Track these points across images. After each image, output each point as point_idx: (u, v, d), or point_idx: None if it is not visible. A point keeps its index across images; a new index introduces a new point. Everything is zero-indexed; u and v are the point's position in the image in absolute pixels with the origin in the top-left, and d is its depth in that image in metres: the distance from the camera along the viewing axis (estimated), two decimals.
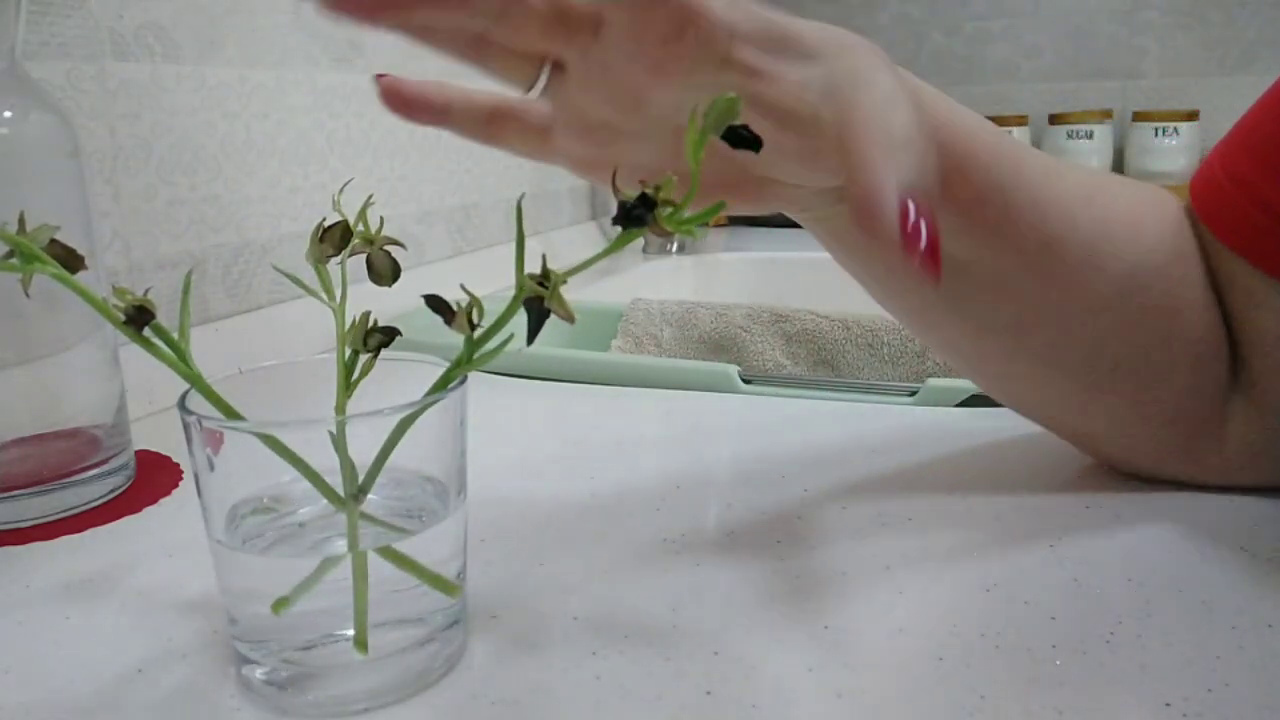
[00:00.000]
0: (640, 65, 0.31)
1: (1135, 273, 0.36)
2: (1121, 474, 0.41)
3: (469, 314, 0.27)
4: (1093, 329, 0.37)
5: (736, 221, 1.43)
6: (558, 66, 0.33)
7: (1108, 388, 0.38)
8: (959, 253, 0.35)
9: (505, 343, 0.26)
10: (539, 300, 0.25)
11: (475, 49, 0.33)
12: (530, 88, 0.33)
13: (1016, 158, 0.35)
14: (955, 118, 0.34)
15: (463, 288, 0.27)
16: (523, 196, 0.27)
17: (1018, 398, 0.40)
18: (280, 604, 0.26)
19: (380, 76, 0.32)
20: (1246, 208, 0.37)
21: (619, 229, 0.25)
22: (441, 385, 0.27)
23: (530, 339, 0.25)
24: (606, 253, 0.25)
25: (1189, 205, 0.41)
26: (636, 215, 0.24)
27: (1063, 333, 0.37)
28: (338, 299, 0.30)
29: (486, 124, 0.34)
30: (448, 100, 0.33)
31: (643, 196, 0.24)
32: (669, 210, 0.24)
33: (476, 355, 0.27)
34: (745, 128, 0.25)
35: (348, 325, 0.29)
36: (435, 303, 0.27)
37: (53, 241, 0.26)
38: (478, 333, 0.27)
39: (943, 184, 0.32)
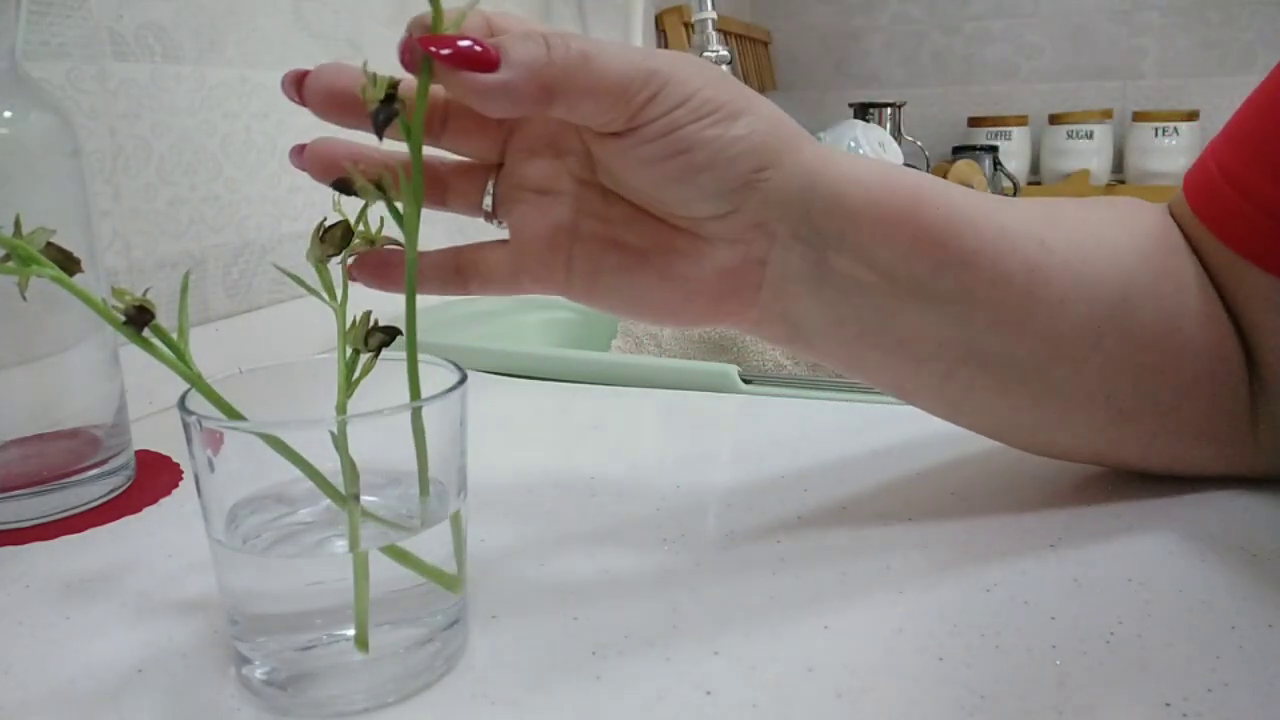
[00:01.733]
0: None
1: (1126, 294, 0.36)
2: (1122, 473, 0.41)
3: (380, 183, 0.28)
4: (1103, 356, 0.36)
5: None
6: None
7: (1132, 415, 0.37)
8: (954, 293, 0.34)
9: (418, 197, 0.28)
10: (382, 101, 0.27)
11: (438, 193, 0.36)
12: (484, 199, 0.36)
13: (965, 197, 0.35)
14: (896, 181, 0.34)
15: (355, 169, 0.29)
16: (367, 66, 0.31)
17: (1054, 445, 0.39)
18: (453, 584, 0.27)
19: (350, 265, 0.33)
20: (1247, 210, 0.36)
21: None
22: (411, 284, 0.29)
23: (378, 134, 0.28)
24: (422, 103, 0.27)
25: (1178, 206, 0.40)
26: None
27: (1076, 366, 0.36)
28: (339, 299, 0.30)
29: (456, 273, 0.36)
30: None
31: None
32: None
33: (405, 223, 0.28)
34: None
35: (348, 325, 0.29)
36: (341, 185, 0.29)
37: (49, 245, 0.26)
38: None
39: (929, 244, 0.33)
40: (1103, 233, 0.37)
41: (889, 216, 0.33)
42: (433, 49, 0.28)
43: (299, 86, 0.32)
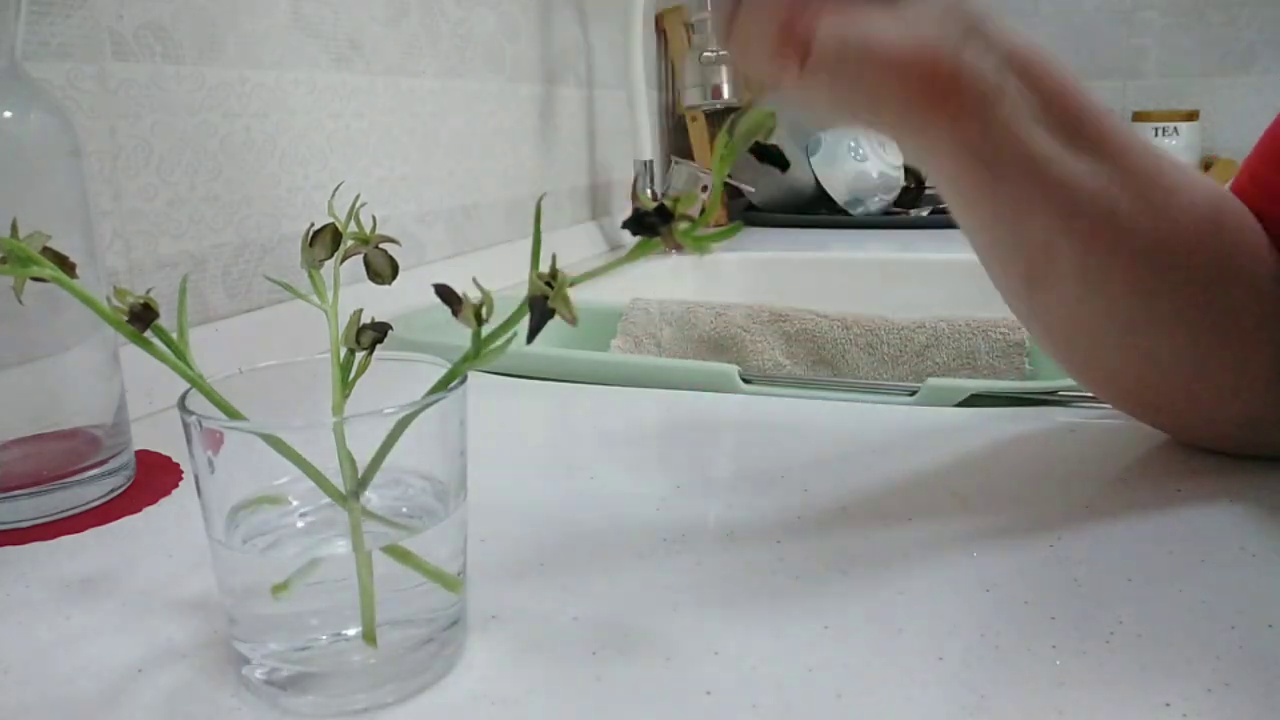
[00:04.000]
0: None
1: (1216, 214, 0.39)
2: (1122, 474, 0.41)
3: (478, 310, 0.26)
4: (1202, 262, 0.39)
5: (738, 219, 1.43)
6: None
7: (1220, 334, 0.39)
8: (1093, 161, 0.37)
9: (509, 339, 0.26)
10: (543, 299, 0.25)
11: None
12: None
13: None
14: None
15: (475, 282, 0.27)
16: (543, 196, 0.28)
17: (1130, 367, 0.41)
18: (279, 588, 0.26)
19: None
20: (1269, 208, 0.38)
21: (625, 232, 0.25)
22: (447, 381, 0.27)
23: (530, 337, 0.26)
24: (620, 262, 0.25)
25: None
26: (649, 224, 0.24)
27: (1186, 259, 0.38)
28: (331, 301, 0.30)
29: None
30: None
31: (660, 207, 0.24)
32: (684, 225, 0.24)
33: (483, 352, 0.27)
34: (774, 146, 0.25)
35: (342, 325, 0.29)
36: (445, 293, 0.27)
37: (44, 250, 0.26)
38: (484, 330, 0.27)
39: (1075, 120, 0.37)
40: (1187, 170, 0.40)
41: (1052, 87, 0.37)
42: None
43: None
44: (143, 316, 0.26)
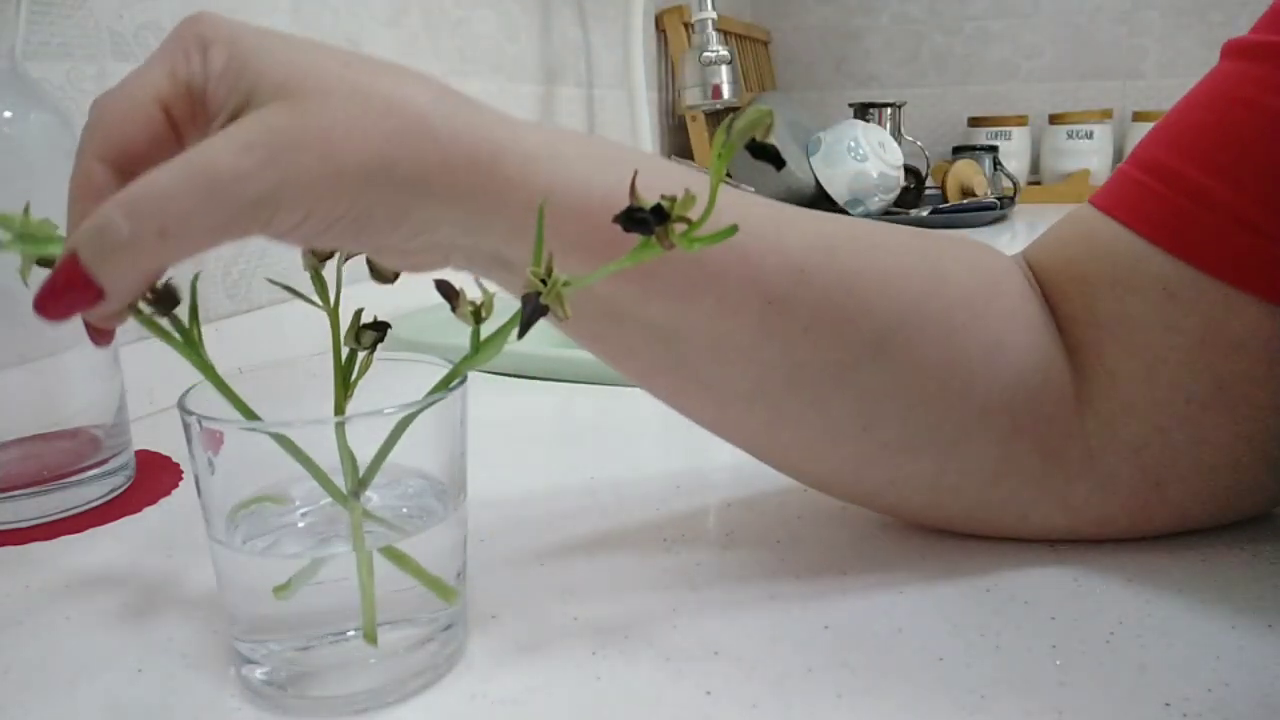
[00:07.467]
0: None
1: (900, 326, 0.32)
2: None
3: (477, 309, 0.27)
4: (856, 390, 0.32)
5: None
6: None
7: (904, 450, 0.33)
8: (661, 318, 0.31)
9: (505, 334, 0.26)
10: (537, 295, 0.25)
11: None
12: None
13: (742, 211, 0.30)
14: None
15: (477, 282, 0.27)
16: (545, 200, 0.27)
17: (810, 474, 0.36)
18: (281, 589, 0.26)
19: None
20: (1167, 194, 0.34)
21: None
22: (447, 381, 0.27)
23: (521, 332, 0.26)
24: (620, 265, 0.25)
25: (1039, 249, 0.37)
26: (642, 221, 0.24)
27: (817, 395, 0.32)
28: (332, 301, 0.30)
29: None
30: None
31: (656, 207, 0.24)
32: (683, 227, 0.24)
33: (482, 351, 0.27)
34: (770, 144, 0.25)
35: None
36: (444, 288, 0.27)
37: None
38: (484, 329, 0.27)
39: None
40: (897, 262, 0.33)
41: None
42: (41, 308, 0.25)
43: None
44: (166, 298, 0.26)
